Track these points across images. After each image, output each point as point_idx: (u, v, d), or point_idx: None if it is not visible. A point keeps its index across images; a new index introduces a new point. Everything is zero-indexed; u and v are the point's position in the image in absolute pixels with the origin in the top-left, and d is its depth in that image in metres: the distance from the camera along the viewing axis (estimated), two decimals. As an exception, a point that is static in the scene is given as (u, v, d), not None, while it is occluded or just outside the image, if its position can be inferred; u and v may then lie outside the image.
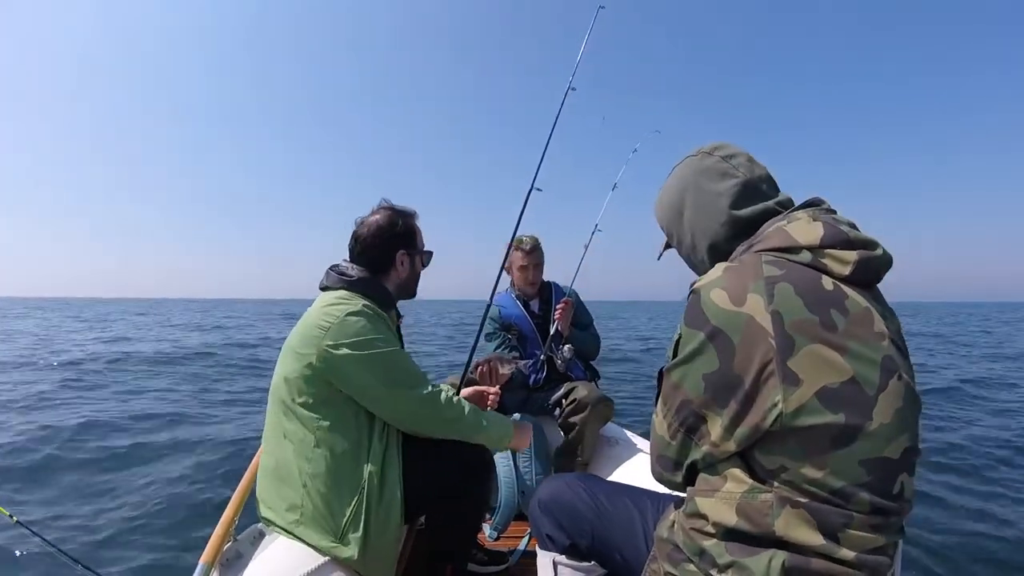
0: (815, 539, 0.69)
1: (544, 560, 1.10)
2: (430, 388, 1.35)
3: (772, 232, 0.82)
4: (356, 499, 1.25)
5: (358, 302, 1.36)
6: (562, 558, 1.07)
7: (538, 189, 2.04)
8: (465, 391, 1.70)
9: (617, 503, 1.06)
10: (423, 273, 1.59)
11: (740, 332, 0.73)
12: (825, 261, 0.77)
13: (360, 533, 1.23)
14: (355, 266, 1.48)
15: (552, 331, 2.31)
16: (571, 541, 1.06)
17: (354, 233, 1.49)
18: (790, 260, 0.78)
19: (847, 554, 0.68)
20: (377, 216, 1.49)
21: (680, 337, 0.81)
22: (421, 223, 1.56)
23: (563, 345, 2.31)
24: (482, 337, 2.37)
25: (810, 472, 0.70)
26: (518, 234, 2.17)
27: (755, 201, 0.89)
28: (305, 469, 1.27)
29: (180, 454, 4.30)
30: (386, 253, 1.46)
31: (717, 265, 0.82)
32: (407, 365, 1.36)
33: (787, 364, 0.70)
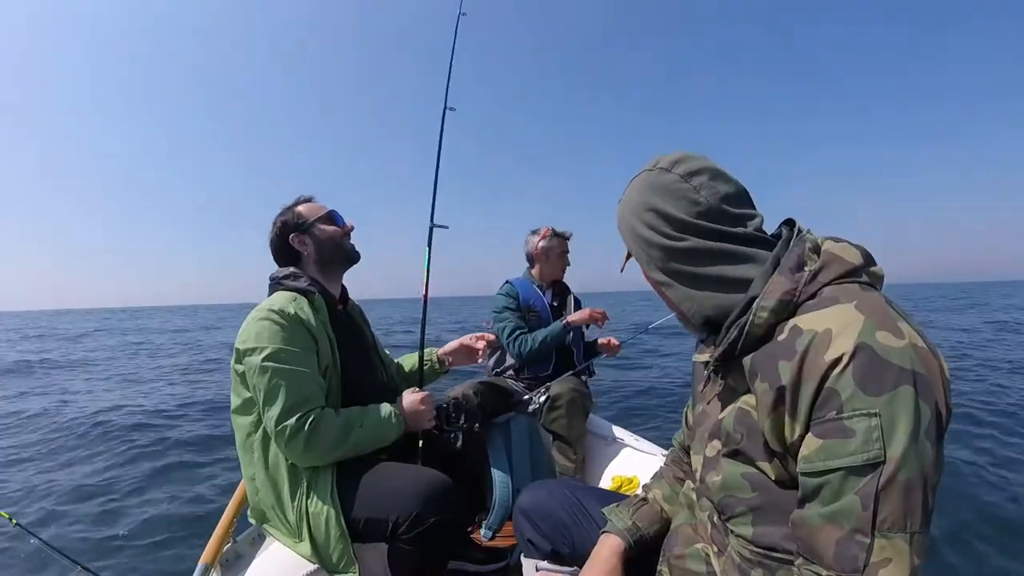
0: None
1: (528, 565, 1.12)
2: (298, 419, 1.23)
3: (829, 259, 0.70)
4: (295, 510, 1.27)
5: (268, 306, 1.33)
6: (544, 563, 1.09)
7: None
8: (450, 345, 1.81)
9: (601, 508, 1.06)
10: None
11: (925, 366, 0.60)
12: (869, 278, 0.70)
13: (309, 548, 1.24)
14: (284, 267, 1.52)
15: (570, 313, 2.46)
16: (553, 547, 1.08)
17: None
18: (860, 283, 0.68)
19: None
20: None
21: (868, 425, 0.58)
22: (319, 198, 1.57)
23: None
24: (490, 313, 2.44)
25: None
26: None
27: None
28: (251, 476, 1.33)
29: (181, 453, 4.30)
30: (284, 245, 1.49)
31: (829, 309, 0.65)
32: (290, 383, 1.24)
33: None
